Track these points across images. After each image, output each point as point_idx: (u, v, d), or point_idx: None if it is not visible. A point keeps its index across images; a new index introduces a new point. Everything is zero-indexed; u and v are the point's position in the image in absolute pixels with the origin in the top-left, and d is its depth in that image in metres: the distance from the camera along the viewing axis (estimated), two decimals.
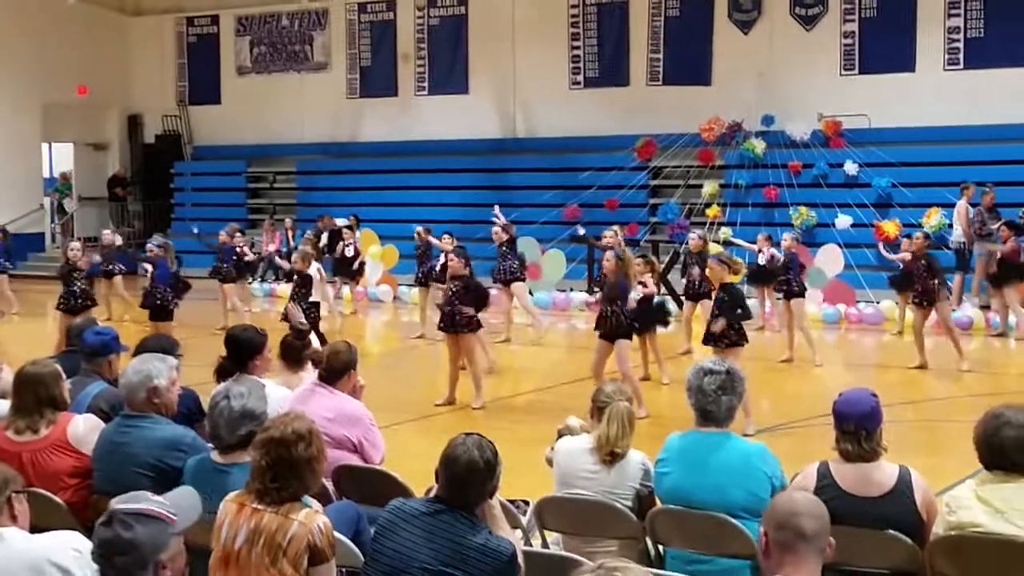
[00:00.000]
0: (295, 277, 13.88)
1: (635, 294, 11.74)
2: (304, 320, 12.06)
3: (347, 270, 19.75)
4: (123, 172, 29.39)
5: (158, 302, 14.27)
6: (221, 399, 4.95)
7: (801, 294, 14.50)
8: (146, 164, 29.43)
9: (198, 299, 15.68)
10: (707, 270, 11.14)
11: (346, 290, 20.29)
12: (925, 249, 14.03)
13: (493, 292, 14.30)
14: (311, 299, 13.02)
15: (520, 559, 4.23)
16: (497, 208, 18.16)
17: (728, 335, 10.51)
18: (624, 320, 11.04)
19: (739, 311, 10.62)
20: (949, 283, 14.60)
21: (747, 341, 10.76)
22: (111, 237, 19.54)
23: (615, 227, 17.19)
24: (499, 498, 4.50)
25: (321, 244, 20.27)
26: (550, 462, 5.73)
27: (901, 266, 15.52)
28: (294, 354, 7.09)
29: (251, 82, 28.20)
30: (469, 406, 11.65)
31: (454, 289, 11.81)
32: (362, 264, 19.96)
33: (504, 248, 16.38)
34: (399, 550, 4.17)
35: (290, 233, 22.82)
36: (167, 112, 29.10)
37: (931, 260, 13.92)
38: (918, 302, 13.77)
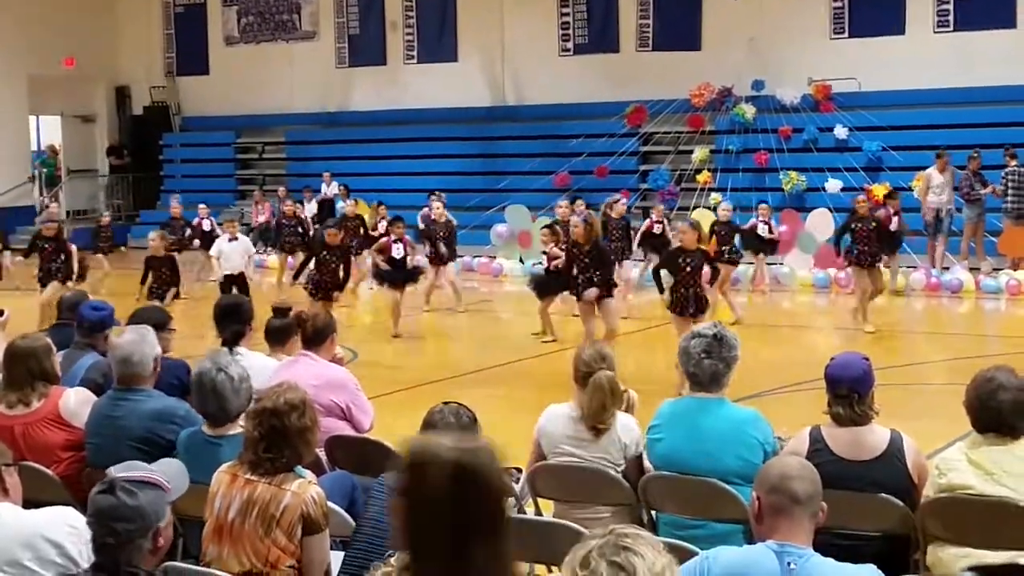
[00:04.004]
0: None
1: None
2: None
3: None
4: (118, 141, 29.26)
5: None
6: (215, 373, 4.88)
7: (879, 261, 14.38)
8: (134, 136, 29.25)
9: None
10: None
11: None
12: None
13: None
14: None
15: None
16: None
17: None
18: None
19: None
20: (739, 250, 16.11)
21: None
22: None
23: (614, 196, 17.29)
24: None
25: (311, 214, 20.16)
26: None
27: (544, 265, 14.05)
28: (278, 335, 7.10)
29: (239, 52, 27.99)
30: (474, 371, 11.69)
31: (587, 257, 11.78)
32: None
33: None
34: (384, 515, 4.21)
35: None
36: (155, 83, 28.90)
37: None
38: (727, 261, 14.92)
